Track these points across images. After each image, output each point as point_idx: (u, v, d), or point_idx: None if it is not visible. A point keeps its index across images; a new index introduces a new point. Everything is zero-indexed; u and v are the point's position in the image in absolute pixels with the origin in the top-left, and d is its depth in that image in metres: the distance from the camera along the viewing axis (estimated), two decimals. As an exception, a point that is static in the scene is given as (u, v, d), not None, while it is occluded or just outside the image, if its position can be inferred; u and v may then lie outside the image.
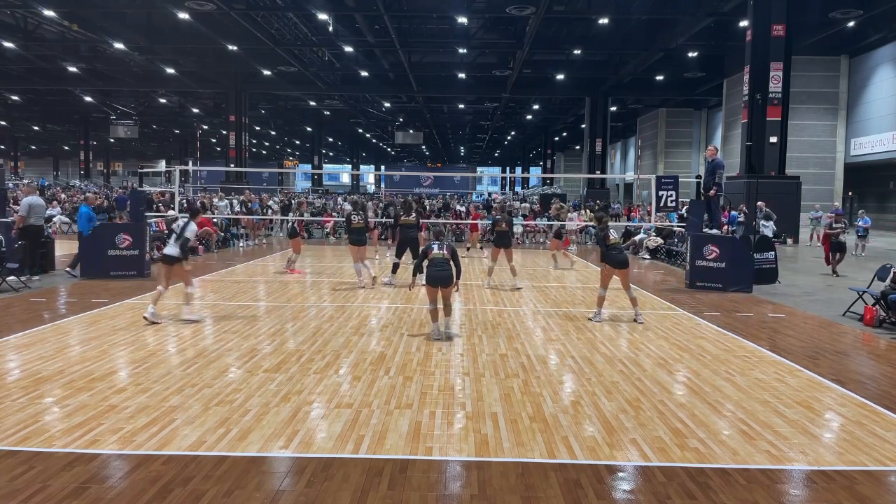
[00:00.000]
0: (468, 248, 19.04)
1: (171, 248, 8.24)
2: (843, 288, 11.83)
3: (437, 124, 55.82)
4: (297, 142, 71.76)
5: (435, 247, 7.55)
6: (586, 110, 38.79)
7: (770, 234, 16.09)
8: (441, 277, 7.42)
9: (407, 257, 11.95)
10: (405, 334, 7.82)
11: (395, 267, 12.02)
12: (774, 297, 11.25)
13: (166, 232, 15.32)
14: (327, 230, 23.91)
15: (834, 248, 14.39)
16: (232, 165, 35.57)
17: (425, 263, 7.62)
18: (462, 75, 33.12)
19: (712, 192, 12.46)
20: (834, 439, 4.71)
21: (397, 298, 10.53)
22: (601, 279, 8.96)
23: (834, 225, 14.56)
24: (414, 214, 12.17)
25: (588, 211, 24.45)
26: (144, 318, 8.15)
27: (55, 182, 50.62)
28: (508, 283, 12.04)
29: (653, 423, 4.91)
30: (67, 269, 12.04)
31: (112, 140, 57.41)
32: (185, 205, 16.96)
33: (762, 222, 16.84)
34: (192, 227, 8.37)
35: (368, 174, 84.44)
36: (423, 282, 7.71)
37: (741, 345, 7.59)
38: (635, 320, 8.74)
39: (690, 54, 29.16)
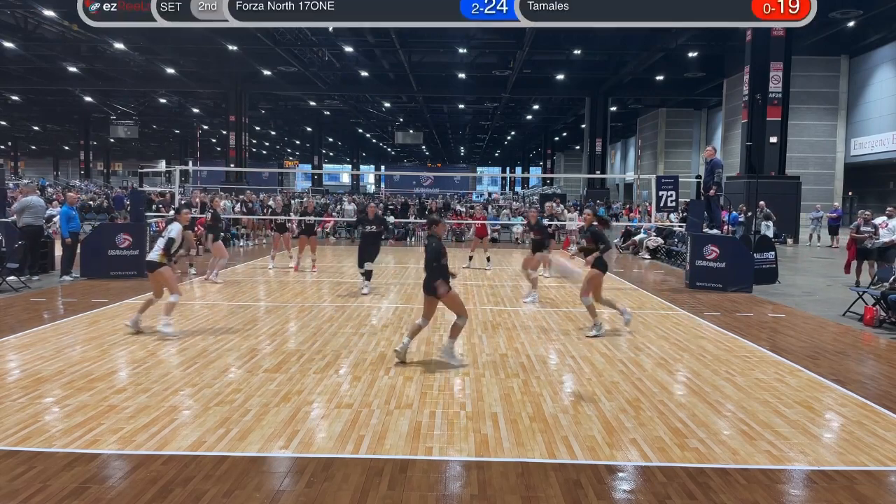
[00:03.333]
0: (488, 259, 14.77)
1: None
2: (844, 288, 11.83)
3: (437, 124, 55.83)
4: (297, 142, 71.79)
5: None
6: (586, 110, 38.80)
7: (770, 235, 16.06)
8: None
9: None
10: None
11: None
12: (774, 297, 11.25)
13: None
14: (327, 230, 23.97)
15: (860, 255, 12.40)
16: (232, 165, 35.58)
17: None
18: (462, 75, 33.12)
19: (712, 191, 12.48)
20: (834, 439, 4.71)
21: (397, 298, 10.54)
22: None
23: (862, 228, 12.47)
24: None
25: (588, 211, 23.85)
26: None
27: (55, 182, 50.55)
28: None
29: (653, 423, 4.91)
30: (63, 277, 11.72)
31: (112, 140, 57.44)
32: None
33: (763, 223, 16.81)
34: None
35: (368, 174, 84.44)
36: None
37: (741, 345, 7.59)
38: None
39: (690, 54, 29.15)
